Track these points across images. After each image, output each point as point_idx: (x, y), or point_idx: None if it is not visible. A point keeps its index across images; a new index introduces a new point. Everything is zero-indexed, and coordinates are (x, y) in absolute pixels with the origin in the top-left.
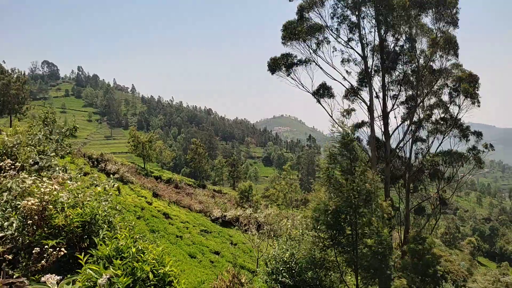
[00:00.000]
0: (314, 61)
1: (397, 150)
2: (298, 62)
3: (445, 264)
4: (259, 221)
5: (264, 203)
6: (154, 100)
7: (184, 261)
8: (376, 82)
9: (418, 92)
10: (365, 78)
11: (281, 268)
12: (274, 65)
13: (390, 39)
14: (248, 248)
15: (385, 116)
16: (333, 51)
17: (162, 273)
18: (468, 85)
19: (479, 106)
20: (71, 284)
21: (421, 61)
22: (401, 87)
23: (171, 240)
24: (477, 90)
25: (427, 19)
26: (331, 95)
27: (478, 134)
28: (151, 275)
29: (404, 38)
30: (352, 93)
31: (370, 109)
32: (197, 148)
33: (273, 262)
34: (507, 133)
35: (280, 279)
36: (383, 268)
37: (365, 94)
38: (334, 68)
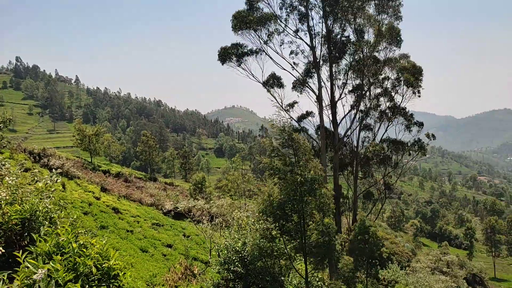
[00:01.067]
0: (264, 51)
1: (345, 138)
2: (249, 52)
3: (391, 246)
4: (211, 213)
5: (217, 194)
6: (101, 91)
7: (135, 255)
8: (324, 72)
9: (365, 82)
10: (313, 68)
11: (233, 258)
12: (225, 55)
13: (337, 30)
14: (201, 239)
15: (333, 105)
16: (281, 44)
17: (106, 267)
18: (410, 76)
19: (419, 96)
20: (1, 282)
21: (367, 51)
22: (348, 77)
23: (122, 235)
24: (421, 82)
25: (373, 11)
26: (281, 85)
27: (420, 124)
28: (94, 270)
29: (350, 29)
30: (301, 83)
31: (319, 99)
32: (147, 141)
33: (225, 252)
34: (446, 121)
35: (232, 268)
36: (329, 252)
37: (313, 84)
38: (284, 59)
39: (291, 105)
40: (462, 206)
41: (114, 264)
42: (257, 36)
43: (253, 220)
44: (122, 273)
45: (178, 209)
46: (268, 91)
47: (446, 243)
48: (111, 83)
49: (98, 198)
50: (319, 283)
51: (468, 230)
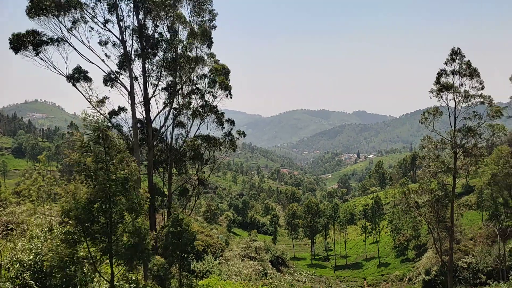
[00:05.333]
0: (68, 42)
1: (160, 135)
2: (49, 41)
3: (206, 238)
4: (3, 221)
5: (16, 201)
6: None
7: None
8: (137, 67)
9: (178, 79)
10: (125, 62)
11: (25, 272)
12: (18, 43)
13: (150, 25)
14: None
15: (146, 101)
16: (90, 30)
17: None
18: (224, 78)
19: (231, 97)
20: None
21: (180, 49)
22: (162, 74)
23: None
24: (229, 82)
25: (187, 11)
26: (89, 79)
27: (231, 122)
28: None
29: (164, 26)
30: (111, 78)
31: (131, 95)
32: None
33: (17, 265)
34: (255, 119)
35: (25, 283)
36: (140, 253)
37: (126, 79)
38: (92, 51)
39: (102, 100)
40: (268, 196)
41: None
42: (60, 24)
43: (52, 225)
44: None
45: None
46: (74, 85)
47: (255, 231)
48: None
49: None
50: (132, 285)
51: (273, 218)
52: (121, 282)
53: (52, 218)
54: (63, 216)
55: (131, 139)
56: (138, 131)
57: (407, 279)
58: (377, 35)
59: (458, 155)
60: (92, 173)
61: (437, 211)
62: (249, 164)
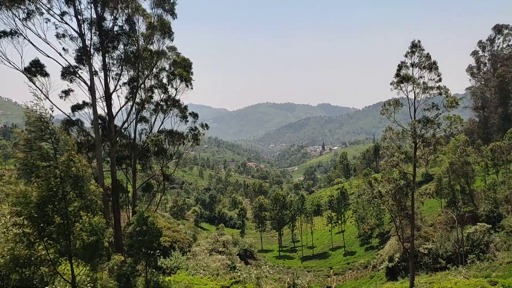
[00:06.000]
0: (23, 35)
1: (122, 131)
2: (2, 34)
3: (173, 234)
4: None
5: None
6: None
7: None
8: (97, 61)
9: (140, 74)
10: (84, 56)
11: None
12: None
13: (109, 18)
14: None
15: (108, 96)
16: (46, 22)
17: None
18: (183, 70)
19: (192, 88)
20: None
21: (141, 43)
22: (123, 68)
23: None
24: (191, 75)
25: (147, 4)
26: (45, 74)
27: (195, 115)
28: None
29: (124, 19)
30: (70, 71)
31: (91, 90)
32: None
33: None
34: (220, 113)
35: None
36: (99, 251)
37: (86, 74)
38: (49, 44)
39: (67, 92)
40: (235, 190)
41: None
42: (13, 16)
43: (7, 226)
44: None
45: None
46: (30, 79)
47: (223, 225)
48: None
49: None
50: (90, 285)
51: (241, 211)
52: (85, 283)
53: (6, 218)
54: (15, 216)
55: (92, 135)
56: (99, 127)
57: (371, 266)
58: (339, 28)
59: (418, 145)
60: (40, 172)
61: (399, 200)
62: (215, 158)
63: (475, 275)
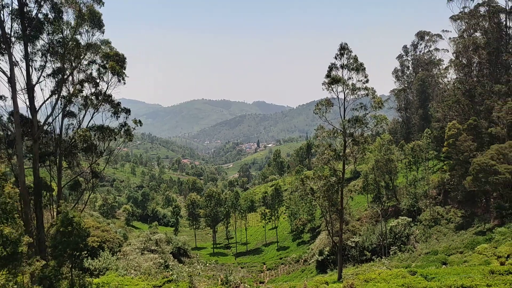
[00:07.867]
0: None
1: (47, 126)
2: None
3: (102, 234)
4: None
5: None
6: None
7: None
8: (19, 51)
9: (66, 65)
10: (3, 45)
11: None
12: None
13: (32, 5)
14: None
15: (30, 88)
16: None
17: None
18: (115, 64)
19: (125, 83)
20: None
21: (68, 33)
22: (48, 59)
23: None
24: (125, 69)
25: None
26: None
27: (127, 111)
28: None
29: (49, 6)
30: None
31: (12, 81)
32: None
33: None
34: (155, 109)
35: None
36: (13, 261)
37: (5, 64)
38: None
39: None
40: (169, 187)
41: None
42: None
43: None
44: None
45: None
46: None
47: (156, 223)
48: None
49: None
50: None
51: (175, 209)
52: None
53: None
54: None
55: (12, 129)
56: (20, 121)
57: (303, 260)
58: (272, 29)
59: (347, 143)
60: None
61: (330, 196)
62: (149, 155)
63: (396, 265)
